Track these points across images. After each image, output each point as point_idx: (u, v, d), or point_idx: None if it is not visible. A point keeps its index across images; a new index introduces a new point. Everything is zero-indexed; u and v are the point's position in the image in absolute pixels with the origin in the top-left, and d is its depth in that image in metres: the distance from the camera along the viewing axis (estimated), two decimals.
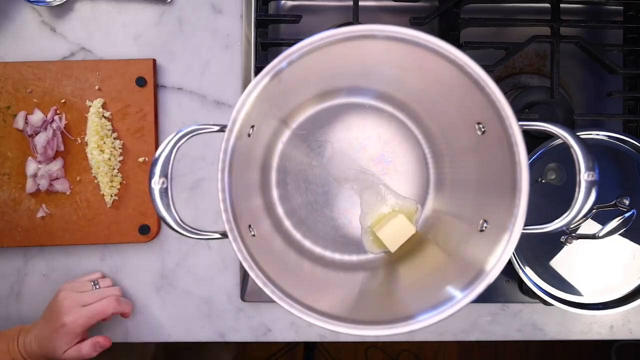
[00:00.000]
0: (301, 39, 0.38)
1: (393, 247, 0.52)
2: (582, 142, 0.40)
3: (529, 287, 0.52)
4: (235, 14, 0.62)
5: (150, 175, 0.39)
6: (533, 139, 0.55)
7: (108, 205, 0.60)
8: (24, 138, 0.60)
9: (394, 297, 0.47)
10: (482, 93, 0.40)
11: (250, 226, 0.44)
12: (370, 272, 0.53)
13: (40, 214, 0.59)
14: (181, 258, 0.62)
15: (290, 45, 0.38)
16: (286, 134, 0.52)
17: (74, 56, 0.62)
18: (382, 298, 0.47)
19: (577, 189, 0.40)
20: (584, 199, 0.40)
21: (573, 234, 0.52)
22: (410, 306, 0.41)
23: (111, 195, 0.59)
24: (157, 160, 0.39)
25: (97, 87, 0.60)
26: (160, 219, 0.40)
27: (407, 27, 0.39)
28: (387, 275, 0.52)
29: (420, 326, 0.39)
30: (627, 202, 0.52)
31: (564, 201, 0.41)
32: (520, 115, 0.55)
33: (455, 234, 0.49)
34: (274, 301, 0.39)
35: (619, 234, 0.52)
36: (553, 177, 0.53)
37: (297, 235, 0.53)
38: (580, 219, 0.41)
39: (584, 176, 0.40)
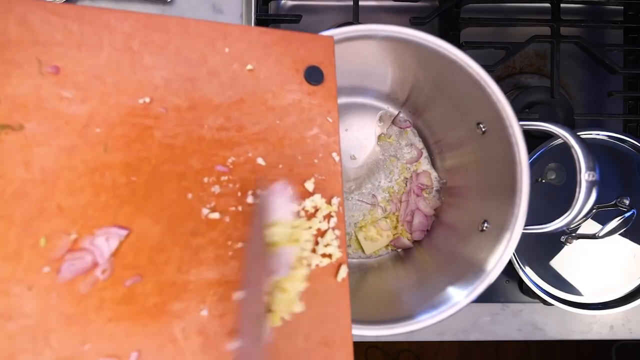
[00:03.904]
0: None
1: (368, 250, 0.53)
2: (583, 142, 0.40)
3: (529, 287, 0.52)
4: (235, 13, 0.62)
5: None
6: (533, 139, 0.55)
7: None
8: None
9: (394, 297, 0.47)
10: (483, 93, 0.40)
11: None
12: (370, 272, 0.53)
13: None
14: None
15: None
16: None
17: None
18: (382, 298, 0.47)
19: (577, 189, 0.40)
20: (584, 199, 0.40)
21: (573, 234, 0.52)
22: (410, 306, 0.41)
23: None
24: None
25: None
26: None
27: (407, 27, 0.39)
28: (387, 276, 0.52)
29: (420, 326, 0.39)
30: (627, 202, 0.52)
31: (564, 201, 0.41)
32: (520, 115, 0.55)
33: (455, 234, 0.49)
34: None
35: (619, 234, 0.52)
36: (553, 177, 0.53)
37: None
38: (581, 218, 0.41)
39: (584, 176, 0.40)
